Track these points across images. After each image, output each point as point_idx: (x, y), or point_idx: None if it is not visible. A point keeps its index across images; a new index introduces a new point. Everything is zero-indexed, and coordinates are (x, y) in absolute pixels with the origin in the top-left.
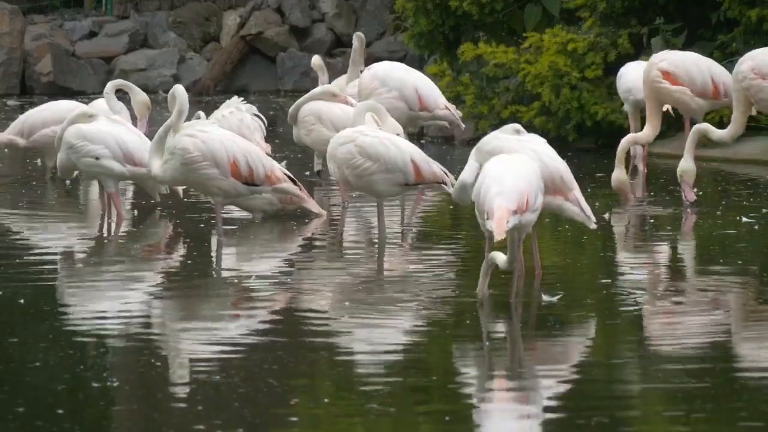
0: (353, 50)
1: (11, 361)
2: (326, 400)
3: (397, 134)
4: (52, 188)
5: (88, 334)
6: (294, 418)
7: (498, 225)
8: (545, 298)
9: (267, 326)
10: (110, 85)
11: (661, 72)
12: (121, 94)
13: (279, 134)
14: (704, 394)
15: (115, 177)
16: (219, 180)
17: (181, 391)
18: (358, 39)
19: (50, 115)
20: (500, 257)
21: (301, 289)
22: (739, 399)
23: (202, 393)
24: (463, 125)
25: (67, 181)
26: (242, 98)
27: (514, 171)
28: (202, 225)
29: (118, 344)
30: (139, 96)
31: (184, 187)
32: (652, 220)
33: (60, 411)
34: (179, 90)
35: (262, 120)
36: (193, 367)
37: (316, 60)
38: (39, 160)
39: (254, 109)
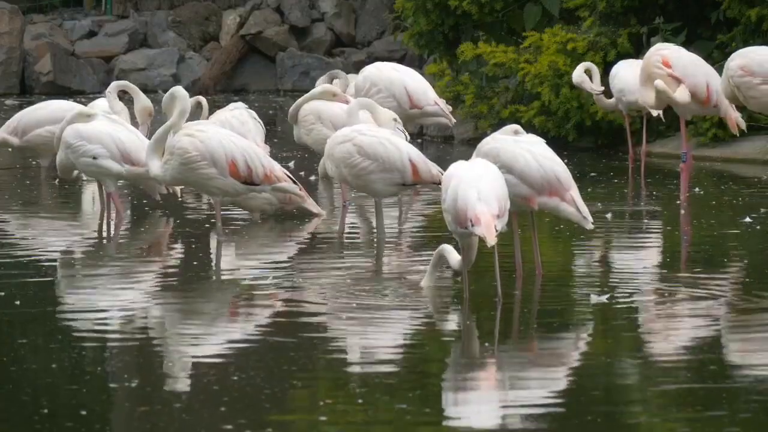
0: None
1: (24, 362)
2: (359, 401)
3: (394, 119)
4: (49, 188)
5: (94, 335)
6: (370, 416)
7: (488, 231)
8: (594, 298)
9: (272, 327)
10: (114, 85)
11: (662, 58)
12: (121, 94)
13: (278, 134)
14: (704, 395)
15: (114, 176)
16: (218, 179)
17: (203, 391)
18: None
19: (45, 114)
20: (453, 258)
21: (302, 289)
22: (739, 401)
23: (225, 393)
24: (454, 120)
25: (56, 180)
26: (246, 105)
27: (487, 176)
28: (202, 225)
29: (130, 345)
30: (142, 103)
31: (183, 186)
32: (651, 220)
33: (83, 412)
34: (180, 91)
35: (261, 125)
36: (207, 368)
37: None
38: (40, 160)
39: (255, 114)
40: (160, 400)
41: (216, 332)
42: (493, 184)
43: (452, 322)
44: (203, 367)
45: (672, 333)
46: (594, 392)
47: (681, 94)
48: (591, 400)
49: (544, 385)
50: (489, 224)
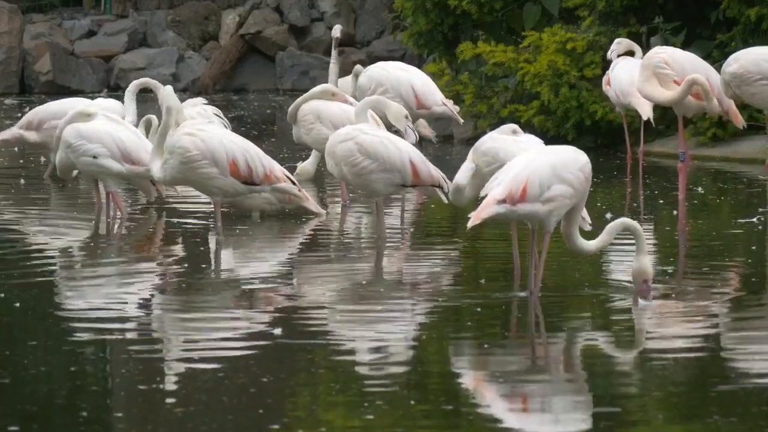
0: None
1: (43, 365)
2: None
3: (405, 116)
4: (51, 187)
5: (96, 336)
6: (370, 416)
7: (477, 212)
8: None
9: (277, 328)
10: (134, 85)
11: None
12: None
13: (276, 133)
14: (703, 396)
15: (114, 176)
16: (218, 179)
17: (240, 393)
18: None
19: (61, 110)
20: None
21: (302, 289)
22: (740, 402)
23: (265, 395)
24: (462, 120)
25: (45, 176)
26: (205, 102)
27: (524, 161)
28: (201, 225)
29: (142, 347)
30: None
31: (181, 187)
32: (650, 220)
33: (119, 414)
34: (166, 90)
35: (223, 120)
36: (228, 369)
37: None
38: (43, 158)
39: (212, 110)
40: (197, 401)
41: (222, 332)
42: (524, 169)
43: (454, 321)
44: (222, 369)
45: (671, 332)
46: (595, 391)
47: (716, 104)
48: (592, 399)
49: (546, 384)
50: (483, 206)
